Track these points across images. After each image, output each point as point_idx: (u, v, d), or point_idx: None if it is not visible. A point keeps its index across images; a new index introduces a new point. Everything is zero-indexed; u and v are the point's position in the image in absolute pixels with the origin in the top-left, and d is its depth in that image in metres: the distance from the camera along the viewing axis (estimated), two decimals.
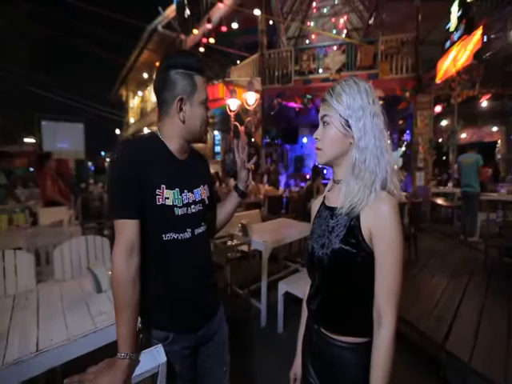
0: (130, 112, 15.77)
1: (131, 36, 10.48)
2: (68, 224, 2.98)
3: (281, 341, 2.15)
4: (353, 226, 0.65)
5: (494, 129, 8.88)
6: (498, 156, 9.23)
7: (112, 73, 14.84)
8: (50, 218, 3.10)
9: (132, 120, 15.32)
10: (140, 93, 13.86)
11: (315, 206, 0.84)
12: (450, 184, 6.50)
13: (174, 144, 0.84)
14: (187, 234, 0.83)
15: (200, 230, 0.88)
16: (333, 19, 9.72)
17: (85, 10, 5.76)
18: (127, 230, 0.73)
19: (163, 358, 0.74)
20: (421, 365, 1.89)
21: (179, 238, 0.81)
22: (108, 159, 20.88)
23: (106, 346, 1.02)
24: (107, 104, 16.85)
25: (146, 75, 11.48)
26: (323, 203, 0.79)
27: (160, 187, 0.77)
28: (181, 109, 0.80)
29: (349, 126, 0.65)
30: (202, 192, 0.89)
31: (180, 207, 0.81)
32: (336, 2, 9.38)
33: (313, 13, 9.70)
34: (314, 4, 9.31)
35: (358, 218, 0.64)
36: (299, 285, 2.12)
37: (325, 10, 9.72)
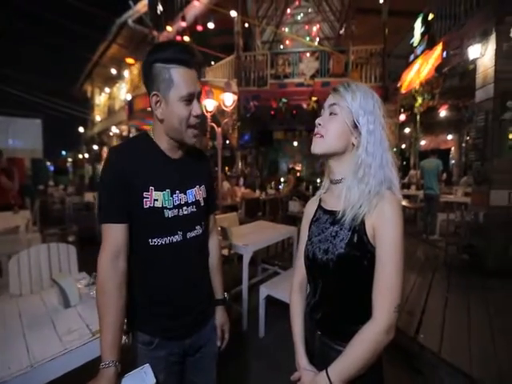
0: (95, 109, 14.78)
1: (98, 28, 9.87)
2: (25, 231, 2.67)
3: (263, 345, 2.12)
4: (358, 229, 0.63)
5: (449, 137, 9.82)
6: (452, 161, 10.24)
7: (75, 66, 13.83)
8: (2, 223, 2.77)
9: (98, 118, 14.36)
10: (107, 89, 13.06)
11: (310, 208, 0.81)
12: (412, 187, 7.02)
13: (163, 143, 0.80)
14: (178, 237, 0.79)
15: (193, 234, 0.83)
16: (306, 27, 10.05)
17: None
18: (112, 234, 0.72)
19: (152, 380, 0.67)
20: (397, 358, 1.98)
21: (168, 242, 0.77)
22: (70, 159, 19.36)
23: (79, 368, 0.91)
24: (70, 100, 15.64)
25: (114, 71, 10.84)
26: (320, 206, 0.77)
27: (148, 189, 0.74)
28: (156, 106, 0.74)
29: (356, 127, 0.64)
30: (196, 193, 0.84)
31: (170, 209, 0.77)
32: (309, 10, 9.72)
33: (287, 19, 9.95)
34: (289, 11, 9.55)
35: (362, 220, 0.63)
36: (281, 288, 2.12)
37: (299, 17, 10.03)
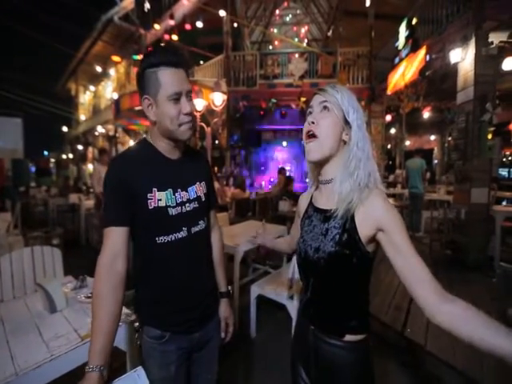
0: (80, 108, 14.33)
1: (83, 24, 9.60)
2: (6, 234, 2.57)
3: (254, 344, 2.13)
4: (348, 227, 0.64)
5: (432, 137, 10.17)
6: (435, 161, 10.61)
7: (58, 63, 13.38)
8: None
9: (83, 117, 13.94)
10: (92, 87, 12.70)
11: (302, 203, 0.83)
12: (398, 186, 7.22)
13: (161, 144, 0.83)
14: (183, 233, 0.82)
15: (197, 229, 0.86)
16: (295, 28, 10.14)
17: None
18: (112, 237, 0.74)
19: (145, 383, 0.67)
20: (385, 352, 2.03)
21: (174, 238, 0.81)
22: (53, 159, 18.65)
23: (66, 375, 0.89)
24: (52, 98, 15.11)
25: (99, 69, 10.56)
26: (311, 203, 0.78)
27: (151, 191, 0.78)
28: (148, 109, 0.78)
29: (347, 122, 0.66)
30: (197, 189, 0.88)
31: (174, 207, 0.81)
32: (298, 11, 9.81)
33: (276, 20, 10.00)
34: (277, 12, 9.61)
35: (352, 218, 0.64)
36: (272, 287, 2.13)
37: (287, 19, 10.10)
